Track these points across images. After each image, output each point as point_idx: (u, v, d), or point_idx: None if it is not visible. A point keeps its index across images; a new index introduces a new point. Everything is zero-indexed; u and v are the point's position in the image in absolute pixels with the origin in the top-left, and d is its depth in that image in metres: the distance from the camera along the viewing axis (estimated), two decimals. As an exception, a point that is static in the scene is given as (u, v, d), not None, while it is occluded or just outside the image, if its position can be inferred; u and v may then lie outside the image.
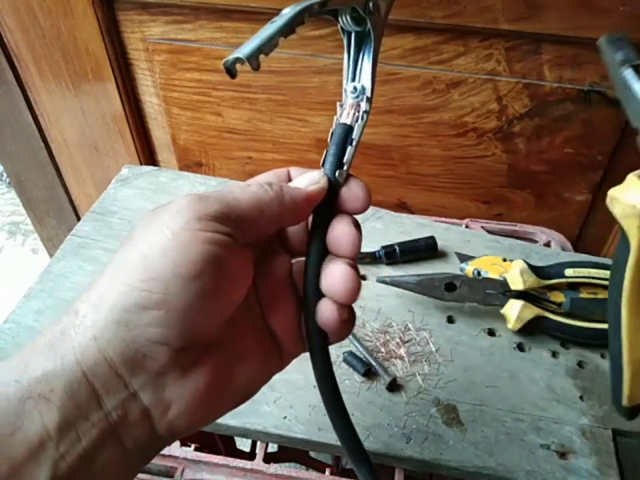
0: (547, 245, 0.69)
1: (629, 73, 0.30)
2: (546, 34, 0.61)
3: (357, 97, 0.32)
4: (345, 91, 0.32)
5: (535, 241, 0.70)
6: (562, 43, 0.62)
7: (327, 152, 0.31)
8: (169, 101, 0.78)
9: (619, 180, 0.77)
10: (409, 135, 0.73)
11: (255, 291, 0.31)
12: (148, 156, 0.87)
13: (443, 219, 0.70)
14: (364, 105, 0.32)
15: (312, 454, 0.64)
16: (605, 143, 0.69)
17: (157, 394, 0.25)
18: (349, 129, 0.31)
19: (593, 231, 0.79)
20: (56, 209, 1.00)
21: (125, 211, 0.65)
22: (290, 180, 0.32)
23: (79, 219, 0.88)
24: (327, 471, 0.47)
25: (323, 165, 0.31)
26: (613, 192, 0.33)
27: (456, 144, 0.73)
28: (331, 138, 0.32)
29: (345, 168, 0.31)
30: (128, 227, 0.63)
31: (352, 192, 0.31)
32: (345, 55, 0.33)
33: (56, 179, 0.93)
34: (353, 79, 0.33)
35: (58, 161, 0.91)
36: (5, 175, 1.57)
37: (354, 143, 0.31)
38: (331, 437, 0.46)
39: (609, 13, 0.58)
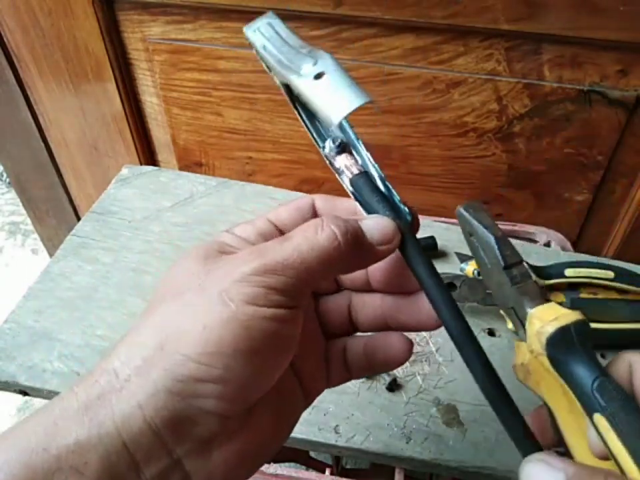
0: (547, 245, 0.69)
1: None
2: (546, 34, 0.61)
3: (339, 150, 0.30)
4: (326, 156, 0.31)
5: (535, 241, 0.70)
6: (562, 43, 0.62)
7: (369, 202, 0.29)
8: (169, 101, 0.78)
9: (619, 180, 0.77)
10: (409, 135, 0.73)
11: None
12: (148, 156, 0.87)
13: (443, 219, 0.69)
14: (351, 150, 0.30)
15: (312, 454, 0.64)
16: (605, 143, 0.69)
17: (202, 460, 0.24)
18: (365, 175, 0.30)
19: (593, 230, 0.79)
20: (56, 209, 1.00)
21: (125, 211, 0.65)
22: (315, 213, 0.30)
23: (79, 219, 0.89)
24: (327, 471, 0.47)
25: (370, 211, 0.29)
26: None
27: (456, 144, 0.73)
28: (359, 194, 0.30)
29: (400, 200, 0.29)
30: (128, 227, 0.63)
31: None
32: (303, 123, 0.31)
33: (56, 179, 0.93)
34: (324, 139, 0.31)
35: (58, 161, 0.91)
36: (5, 174, 1.57)
37: (381, 175, 0.30)
38: (330, 437, 0.46)
39: (609, 13, 0.58)
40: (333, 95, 0.27)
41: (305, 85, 0.28)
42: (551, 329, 0.26)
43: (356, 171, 0.30)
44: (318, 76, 0.27)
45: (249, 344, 0.23)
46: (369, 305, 0.31)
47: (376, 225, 0.27)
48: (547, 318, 0.27)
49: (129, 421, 0.22)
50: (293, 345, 0.25)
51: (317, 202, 0.30)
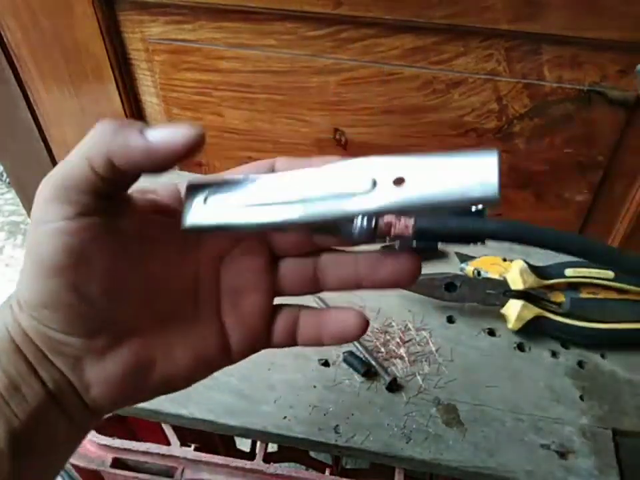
0: (547, 244, 0.69)
1: None
2: (546, 34, 0.61)
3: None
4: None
5: (535, 241, 0.70)
6: (562, 43, 0.62)
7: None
8: (169, 100, 0.78)
9: (619, 180, 0.77)
10: (408, 135, 0.73)
11: (213, 284, 0.30)
12: (148, 156, 0.87)
13: (443, 219, 0.69)
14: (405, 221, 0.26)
15: (312, 454, 0.64)
16: (604, 143, 0.69)
17: (77, 375, 0.27)
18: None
19: (593, 231, 0.79)
20: (56, 209, 1.00)
21: (125, 211, 0.65)
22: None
23: (79, 219, 0.88)
24: (327, 471, 0.47)
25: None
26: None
27: (456, 144, 0.73)
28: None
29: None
30: (128, 227, 0.63)
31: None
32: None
33: (56, 179, 0.93)
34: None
35: (58, 161, 0.91)
36: (4, 175, 1.57)
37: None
38: (330, 436, 0.46)
39: (609, 13, 0.58)
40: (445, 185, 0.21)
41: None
42: None
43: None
44: (398, 181, 0.22)
45: (43, 266, 0.25)
46: (342, 264, 0.29)
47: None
48: None
49: (15, 333, 0.26)
50: (101, 262, 0.25)
51: (277, 163, 0.29)
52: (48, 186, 0.25)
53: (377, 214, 0.23)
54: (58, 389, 0.27)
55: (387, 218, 0.26)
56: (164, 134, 0.24)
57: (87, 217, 0.25)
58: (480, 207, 0.22)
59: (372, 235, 0.25)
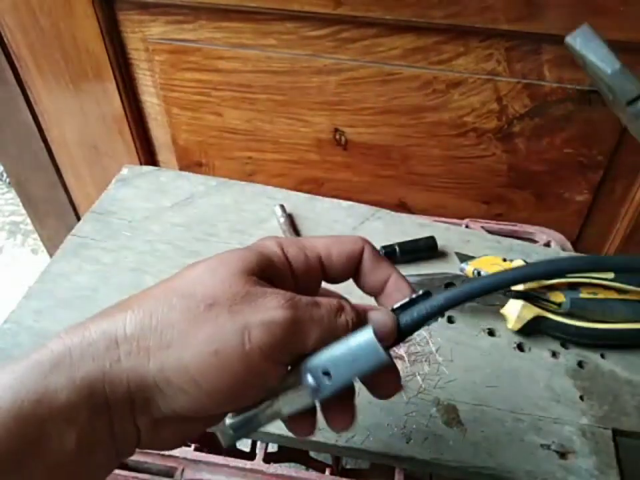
0: (547, 245, 0.69)
1: None
2: (546, 34, 0.61)
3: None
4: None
5: (535, 241, 0.70)
6: (562, 43, 0.62)
7: (414, 303, 0.30)
8: (169, 100, 0.78)
9: (619, 180, 0.77)
10: (409, 135, 0.73)
11: None
12: (148, 156, 0.87)
13: (443, 219, 0.70)
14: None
15: (312, 454, 0.64)
16: (604, 143, 0.69)
17: (152, 432, 0.27)
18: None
19: (593, 230, 0.79)
20: (56, 209, 1.00)
21: (125, 211, 0.65)
22: (360, 260, 0.32)
23: (78, 219, 0.89)
24: (327, 471, 0.47)
25: (402, 308, 0.31)
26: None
27: (456, 144, 0.73)
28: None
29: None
30: (128, 227, 0.63)
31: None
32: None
33: (56, 179, 0.93)
34: None
35: (58, 161, 0.91)
36: (5, 175, 1.57)
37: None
38: (330, 436, 0.46)
39: (609, 13, 0.58)
40: None
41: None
42: None
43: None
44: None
45: (236, 386, 0.26)
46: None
47: (378, 320, 0.29)
48: None
49: (114, 388, 0.25)
50: (264, 388, 0.28)
51: (365, 253, 0.32)
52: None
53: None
54: (123, 440, 0.26)
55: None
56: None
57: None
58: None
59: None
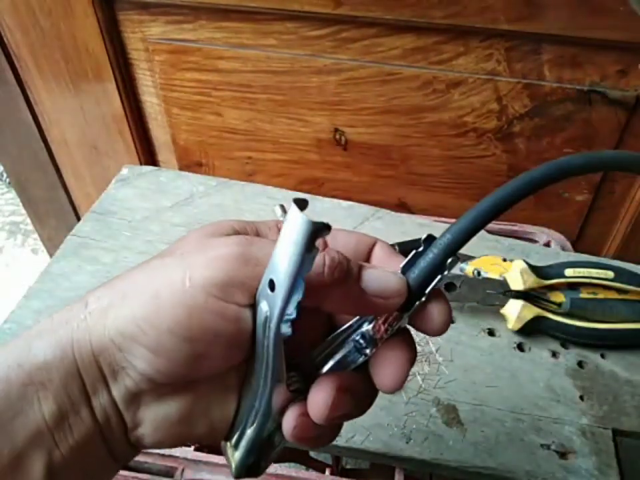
0: (547, 245, 0.69)
1: None
2: (546, 34, 0.61)
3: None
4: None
5: (535, 241, 0.70)
6: (562, 43, 0.62)
7: (415, 259, 0.26)
8: (169, 100, 0.78)
9: (619, 180, 0.77)
10: (409, 135, 0.73)
11: None
12: (148, 156, 0.87)
13: (443, 219, 0.69)
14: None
15: (312, 454, 0.64)
16: (604, 143, 0.69)
17: (131, 410, 0.25)
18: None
19: (593, 230, 0.79)
20: (56, 209, 1.00)
21: (125, 211, 0.65)
22: (369, 256, 0.28)
23: (78, 219, 0.89)
24: (327, 471, 0.47)
25: (403, 269, 0.26)
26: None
27: (456, 144, 0.73)
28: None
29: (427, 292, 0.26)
30: (128, 227, 0.63)
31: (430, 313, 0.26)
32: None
33: (56, 179, 0.93)
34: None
35: (58, 161, 0.91)
36: (4, 175, 1.57)
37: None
38: (330, 436, 0.46)
39: (609, 13, 0.58)
40: None
41: None
42: None
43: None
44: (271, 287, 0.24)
45: (184, 331, 0.23)
46: None
47: (377, 276, 0.25)
48: None
49: (81, 350, 0.24)
50: (235, 346, 0.25)
51: (377, 247, 0.29)
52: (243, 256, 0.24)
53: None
54: (106, 421, 0.25)
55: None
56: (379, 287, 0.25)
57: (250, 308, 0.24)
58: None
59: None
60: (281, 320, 0.23)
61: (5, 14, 0.73)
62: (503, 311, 0.54)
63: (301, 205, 0.22)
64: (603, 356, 0.54)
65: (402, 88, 0.69)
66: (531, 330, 0.54)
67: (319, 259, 0.23)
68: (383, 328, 0.26)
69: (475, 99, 0.68)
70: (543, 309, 0.54)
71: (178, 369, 0.24)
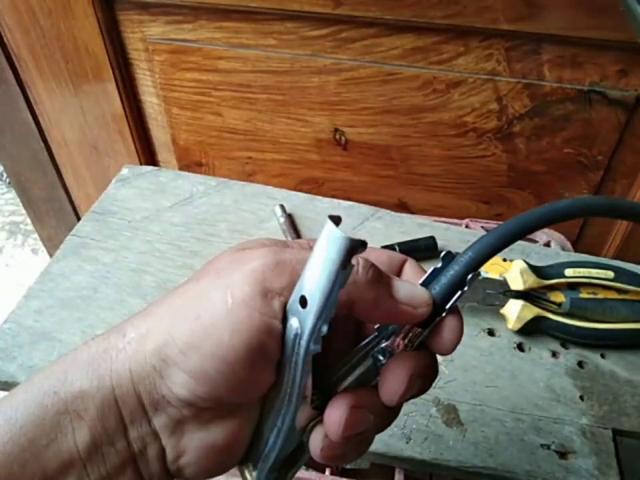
0: (547, 245, 0.69)
1: None
2: (546, 34, 0.61)
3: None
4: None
5: (535, 241, 0.70)
6: (562, 43, 0.62)
7: (434, 276, 0.26)
8: (169, 100, 0.78)
9: (619, 180, 0.77)
10: (409, 135, 0.73)
11: None
12: (148, 156, 0.87)
13: (443, 219, 0.69)
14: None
15: (312, 454, 0.64)
16: (604, 143, 0.69)
17: (174, 439, 0.25)
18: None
19: (593, 230, 0.79)
20: (56, 209, 1.00)
21: (125, 211, 0.65)
22: (399, 273, 0.28)
23: (78, 219, 0.89)
24: (327, 471, 0.47)
25: (422, 285, 0.26)
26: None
27: (456, 144, 0.73)
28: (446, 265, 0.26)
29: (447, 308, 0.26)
30: (128, 227, 0.63)
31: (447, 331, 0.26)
32: None
33: (56, 179, 0.93)
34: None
35: (58, 161, 0.91)
36: (4, 174, 1.57)
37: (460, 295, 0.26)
38: (330, 436, 0.46)
39: (609, 13, 0.58)
40: None
41: None
42: None
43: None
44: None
45: (228, 352, 0.23)
46: None
47: (407, 286, 0.26)
48: None
49: (120, 380, 0.24)
50: (271, 365, 0.24)
51: (407, 265, 0.29)
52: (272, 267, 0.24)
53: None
54: (142, 452, 0.24)
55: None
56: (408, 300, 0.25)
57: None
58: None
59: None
60: (311, 337, 0.23)
61: (5, 14, 0.73)
62: (503, 311, 0.54)
63: (336, 221, 0.21)
64: (603, 356, 0.54)
65: (402, 88, 0.69)
66: (531, 330, 0.54)
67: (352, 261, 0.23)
68: (402, 344, 0.26)
69: (475, 99, 0.68)
70: (543, 308, 0.54)
71: (219, 394, 0.24)
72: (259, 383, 0.24)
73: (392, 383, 0.25)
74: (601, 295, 0.54)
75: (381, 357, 0.27)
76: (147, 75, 0.77)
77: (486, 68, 0.66)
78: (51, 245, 1.09)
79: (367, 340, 0.27)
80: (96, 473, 0.23)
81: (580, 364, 0.53)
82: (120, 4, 0.70)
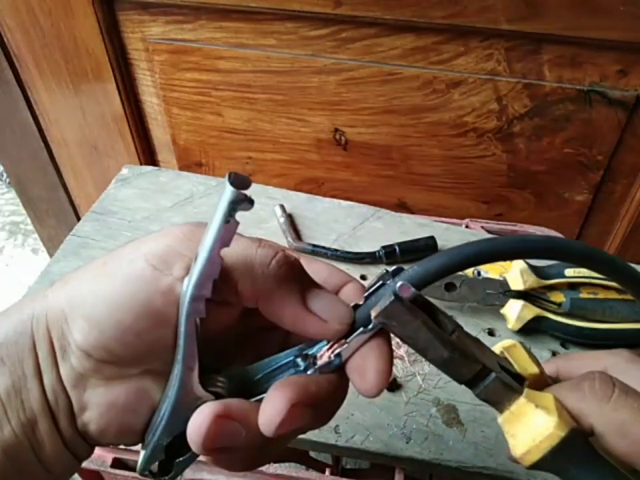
0: (547, 245, 0.69)
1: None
2: (546, 34, 0.61)
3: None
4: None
5: (534, 241, 0.70)
6: (562, 43, 0.62)
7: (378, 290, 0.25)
8: (169, 100, 0.78)
9: (619, 180, 0.77)
10: (409, 135, 0.74)
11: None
12: (148, 156, 0.87)
13: (443, 219, 0.69)
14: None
15: (312, 454, 0.64)
16: (605, 143, 0.69)
17: (77, 391, 0.25)
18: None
19: (593, 230, 0.79)
20: (56, 209, 1.00)
21: (125, 211, 0.65)
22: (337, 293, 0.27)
23: (78, 219, 0.89)
24: (327, 471, 0.47)
25: (366, 298, 0.25)
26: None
27: (456, 144, 0.73)
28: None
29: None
30: (128, 227, 0.63)
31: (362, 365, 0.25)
32: None
33: (56, 179, 0.93)
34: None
35: (58, 161, 0.91)
36: (4, 174, 1.57)
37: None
38: (330, 437, 0.46)
39: (609, 13, 0.58)
40: None
41: None
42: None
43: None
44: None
45: (116, 299, 0.24)
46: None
47: (324, 296, 0.25)
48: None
49: (38, 325, 0.25)
50: (165, 323, 0.24)
51: (348, 286, 0.28)
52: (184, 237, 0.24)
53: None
54: (56, 402, 0.25)
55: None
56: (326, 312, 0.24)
57: None
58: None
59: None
60: (193, 297, 0.22)
61: (5, 14, 0.73)
62: (503, 311, 0.54)
63: (240, 181, 0.21)
64: (603, 356, 0.54)
65: (402, 88, 0.69)
66: (531, 330, 0.54)
67: (270, 252, 0.24)
68: (326, 355, 0.25)
69: (475, 99, 0.68)
70: (543, 308, 0.54)
71: (109, 343, 0.24)
72: (148, 341, 0.24)
73: (269, 410, 0.23)
74: (601, 295, 0.54)
75: (300, 363, 0.25)
76: (147, 75, 0.77)
77: (486, 68, 0.66)
78: (51, 245, 1.09)
79: (298, 346, 0.26)
80: (15, 419, 0.24)
81: (580, 364, 0.53)
82: (120, 4, 0.70)
